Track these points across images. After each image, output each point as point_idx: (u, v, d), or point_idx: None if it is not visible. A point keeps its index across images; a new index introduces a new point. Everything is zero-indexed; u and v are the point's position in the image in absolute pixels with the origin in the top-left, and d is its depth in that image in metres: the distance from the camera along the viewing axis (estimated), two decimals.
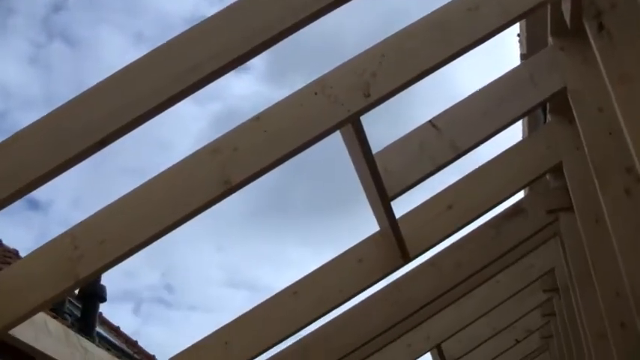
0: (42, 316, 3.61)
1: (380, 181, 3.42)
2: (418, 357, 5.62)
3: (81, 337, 4.00)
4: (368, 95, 2.92)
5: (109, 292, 7.26)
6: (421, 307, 4.56)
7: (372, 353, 5.07)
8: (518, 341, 6.81)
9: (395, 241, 3.88)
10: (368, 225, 4.14)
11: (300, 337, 4.71)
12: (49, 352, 3.53)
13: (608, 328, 3.62)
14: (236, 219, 47.73)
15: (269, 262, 47.25)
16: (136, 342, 9.35)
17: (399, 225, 3.83)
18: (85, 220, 3.06)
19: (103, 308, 8.07)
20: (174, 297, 52.34)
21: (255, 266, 51.81)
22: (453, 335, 5.67)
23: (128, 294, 44.98)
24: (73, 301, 7.50)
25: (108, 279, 7.23)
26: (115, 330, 9.13)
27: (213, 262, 49.41)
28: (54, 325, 3.72)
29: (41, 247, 3.16)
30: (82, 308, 7.15)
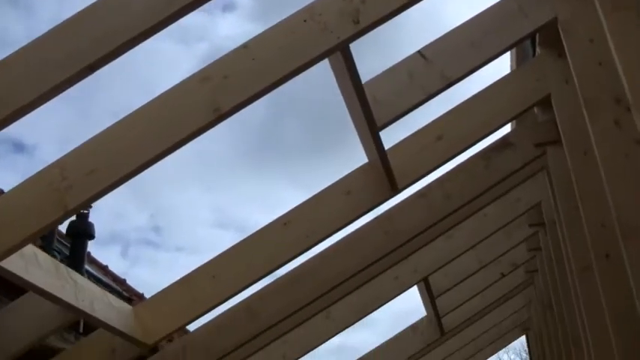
0: (31, 249, 3.60)
1: (369, 110, 3.41)
2: (405, 290, 5.68)
3: (71, 270, 4.00)
4: (357, 22, 2.89)
5: (97, 235, 7.29)
6: (409, 239, 4.59)
7: (360, 286, 5.13)
8: (503, 275, 6.90)
9: (384, 172, 3.88)
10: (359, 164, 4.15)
11: (288, 269, 4.76)
12: (39, 284, 3.53)
13: (594, 259, 3.65)
14: (225, 159, 47.75)
15: (258, 202, 47.33)
16: (124, 280, 9.42)
17: (388, 156, 3.84)
18: (73, 150, 3.04)
19: (91, 250, 8.13)
20: (162, 239, 52.63)
21: (244, 207, 52.02)
22: (440, 268, 5.73)
23: (116, 237, 45.20)
24: (61, 239, 7.53)
25: (95, 221, 7.26)
26: (103, 269, 9.19)
27: (202, 203, 49.53)
28: (43, 257, 3.72)
29: (29, 179, 3.14)
30: (71, 246, 7.18)
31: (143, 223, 49.44)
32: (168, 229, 52.78)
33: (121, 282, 9.30)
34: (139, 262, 47.90)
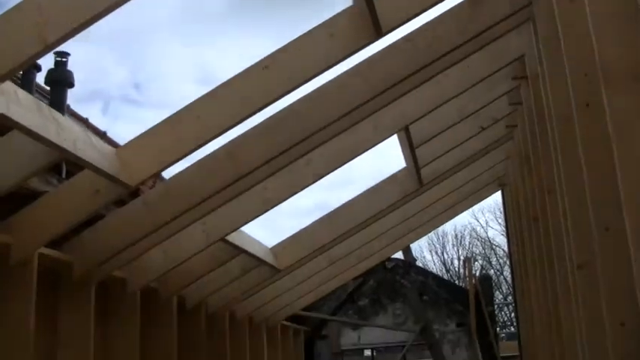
0: (11, 86, 3.56)
1: None
2: (386, 138, 5.73)
3: (52, 110, 3.96)
4: None
5: (76, 93, 7.19)
6: (393, 85, 4.58)
7: (340, 132, 5.16)
8: (483, 128, 6.96)
9: (369, 15, 3.82)
10: None
11: (270, 113, 4.78)
12: (22, 121, 3.53)
13: (574, 109, 3.68)
14: (207, 13, 46.60)
15: (243, 59, 46.58)
16: (104, 133, 9.39)
17: None
18: None
19: (70, 106, 8.05)
20: (143, 96, 52.11)
21: (227, 63, 51.13)
22: (421, 117, 5.76)
23: (96, 94, 44.70)
24: (40, 91, 7.45)
25: (75, 79, 7.14)
26: (84, 121, 9.13)
27: (184, 59, 48.75)
28: (24, 95, 3.68)
29: (7, 13, 3.09)
30: (50, 94, 7.11)
31: (123, 79, 48.90)
32: (149, 85, 52.31)
33: (102, 135, 9.28)
34: (121, 119, 47.72)
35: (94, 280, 5.57)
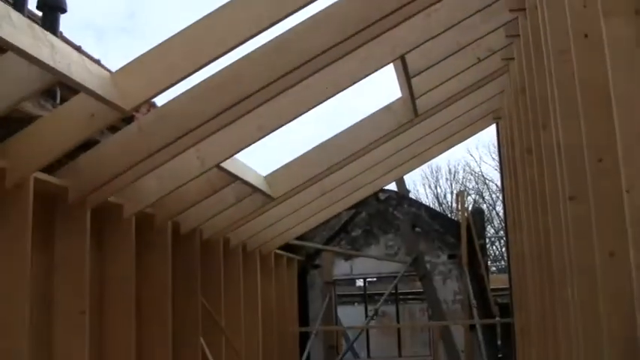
0: (4, 7, 3.52)
1: None
2: (383, 65, 5.69)
3: (46, 32, 3.91)
4: None
5: (70, 22, 7.09)
6: (388, 14, 4.54)
7: (337, 59, 5.12)
8: (479, 59, 6.92)
9: None
10: None
11: (273, 37, 4.74)
12: (16, 43, 3.49)
13: (572, 40, 3.66)
14: None
15: None
16: (98, 60, 9.30)
17: None
18: None
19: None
20: (139, 27, 51.30)
21: None
22: (417, 47, 5.71)
23: (90, 25, 44.01)
24: (31, 17, 7.34)
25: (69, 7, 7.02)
26: (77, 49, 9.02)
27: None
28: (17, 16, 3.63)
29: None
30: (42, 20, 7.01)
31: (118, 9, 48.11)
32: (144, 15, 51.52)
33: (96, 62, 9.19)
34: (115, 50, 47.06)
35: (89, 205, 5.60)
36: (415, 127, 7.78)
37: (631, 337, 2.97)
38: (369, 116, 7.38)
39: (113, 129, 5.76)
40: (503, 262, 20.61)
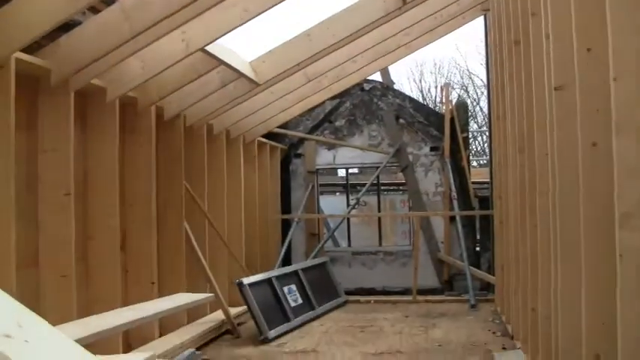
0: None
1: None
2: None
3: None
4: None
5: None
6: None
7: None
8: None
9: None
10: None
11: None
12: None
13: None
14: None
15: None
16: None
17: None
18: None
19: None
20: None
21: None
22: None
23: None
24: None
25: None
26: None
27: None
28: None
29: None
30: None
31: None
32: None
33: None
34: None
35: (72, 87, 5.53)
36: (403, 15, 7.64)
37: (608, 223, 3.02)
38: (355, 3, 7.24)
39: (94, 10, 5.63)
40: (485, 158, 20.73)
